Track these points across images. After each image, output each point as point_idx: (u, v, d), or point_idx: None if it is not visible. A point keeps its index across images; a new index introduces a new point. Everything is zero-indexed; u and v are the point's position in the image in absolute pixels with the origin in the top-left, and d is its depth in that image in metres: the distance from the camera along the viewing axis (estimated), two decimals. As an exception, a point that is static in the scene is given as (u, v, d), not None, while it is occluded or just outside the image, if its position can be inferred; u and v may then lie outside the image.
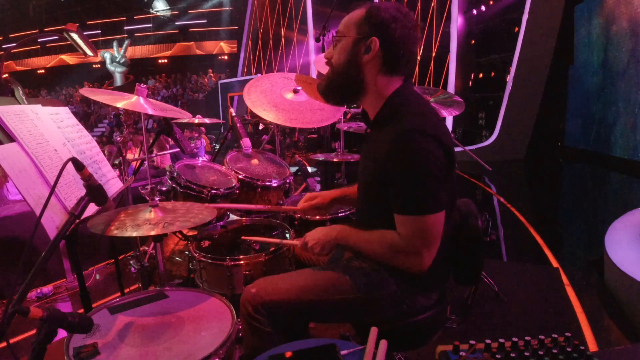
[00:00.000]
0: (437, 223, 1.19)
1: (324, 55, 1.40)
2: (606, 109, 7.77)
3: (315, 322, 1.44)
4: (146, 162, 2.35)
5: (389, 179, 1.21)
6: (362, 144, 1.45)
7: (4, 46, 19.66)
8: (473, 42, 11.20)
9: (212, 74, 19.12)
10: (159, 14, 21.10)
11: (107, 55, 19.18)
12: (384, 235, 1.26)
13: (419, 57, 12.02)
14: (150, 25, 21.54)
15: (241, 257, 1.60)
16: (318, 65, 2.58)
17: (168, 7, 21.01)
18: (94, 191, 1.20)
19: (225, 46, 20.65)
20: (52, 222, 1.44)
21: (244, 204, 2.09)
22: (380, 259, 1.28)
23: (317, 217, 2.13)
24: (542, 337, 0.93)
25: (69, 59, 21.78)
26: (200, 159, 2.38)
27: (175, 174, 2.05)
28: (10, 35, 20.06)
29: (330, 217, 2.11)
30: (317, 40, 2.75)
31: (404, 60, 1.27)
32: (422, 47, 12.02)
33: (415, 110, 1.24)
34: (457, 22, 11.01)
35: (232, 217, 2.18)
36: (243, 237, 1.77)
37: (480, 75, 10.94)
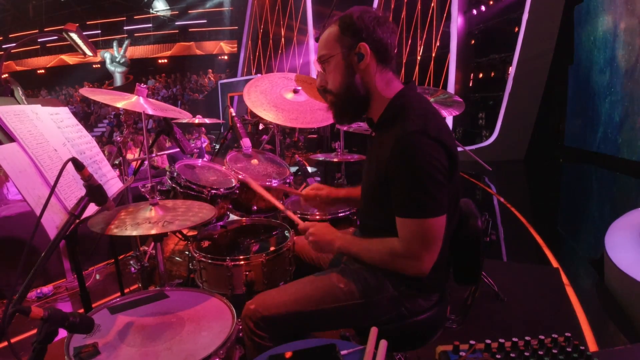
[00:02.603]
0: (438, 226, 1.19)
1: (317, 84, 1.39)
2: (613, 110, 7.71)
3: (317, 331, 1.44)
4: (146, 162, 2.35)
5: (390, 181, 1.21)
6: (367, 146, 1.45)
7: (4, 46, 19.66)
8: (473, 42, 11.20)
9: (212, 74, 19.12)
10: (159, 14, 21.11)
11: (107, 55, 19.20)
12: (383, 242, 1.26)
13: (418, 57, 12.04)
14: (150, 25, 21.54)
15: (241, 257, 1.60)
16: (318, 65, 2.58)
17: (168, 7, 21.02)
18: (94, 191, 1.20)
19: (225, 46, 20.66)
20: (52, 222, 1.44)
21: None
22: (381, 266, 1.27)
23: (317, 216, 2.13)
24: (542, 337, 0.93)
25: (69, 59, 21.78)
26: (200, 159, 2.38)
27: (175, 174, 2.05)
28: (10, 35, 20.06)
29: (330, 217, 2.11)
30: (317, 40, 2.74)
31: (391, 49, 1.29)
32: (422, 47, 12.03)
33: (418, 112, 1.23)
34: (457, 22, 11.01)
35: (232, 217, 2.18)
36: (242, 180, 1.70)
37: (480, 75, 10.94)
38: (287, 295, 1.33)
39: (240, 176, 1.97)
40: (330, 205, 1.70)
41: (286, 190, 1.84)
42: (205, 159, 2.41)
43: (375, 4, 12.23)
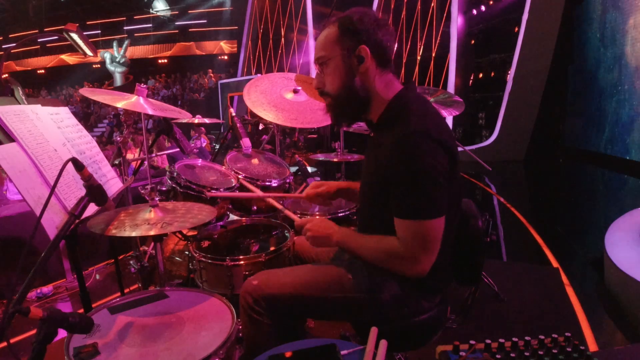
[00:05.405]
0: (436, 228, 1.18)
1: (314, 86, 1.37)
2: (619, 110, 7.65)
3: (315, 318, 1.44)
4: (146, 162, 2.35)
5: (389, 182, 1.20)
6: (366, 146, 1.44)
7: (4, 46, 19.65)
8: (473, 42, 11.21)
9: (212, 74, 19.11)
10: (159, 14, 21.09)
11: (107, 55, 19.16)
12: (382, 240, 1.26)
13: (418, 57, 12.05)
14: (150, 25, 21.53)
15: (241, 257, 1.60)
16: (316, 66, 2.59)
17: (168, 7, 21.01)
18: (94, 191, 1.20)
19: (225, 46, 20.64)
20: (52, 222, 1.43)
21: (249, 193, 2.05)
22: (378, 264, 1.27)
23: (317, 214, 2.14)
24: (542, 337, 0.94)
25: (69, 59, 21.77)
26: (200, 159, 2.38)
27: (175, 174, 2.05)
28: (10, 35, 20.05)
29: (330, 217, 2.11)
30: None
31: (390, 51, 1.29)
32: (422, 47, 12.03)
33: (419, 112, 1.22)
34: (457, 22, 11.01)
35: (232, 217, 2.18)
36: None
37: (480, 75, 10.95)
38: (292, 277, 1.32)
39: (240, 177, 1.98)
40: (334, 197, 1.65)
41: (286, 196, 1.83)
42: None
43: (375, 5, 12.24)
